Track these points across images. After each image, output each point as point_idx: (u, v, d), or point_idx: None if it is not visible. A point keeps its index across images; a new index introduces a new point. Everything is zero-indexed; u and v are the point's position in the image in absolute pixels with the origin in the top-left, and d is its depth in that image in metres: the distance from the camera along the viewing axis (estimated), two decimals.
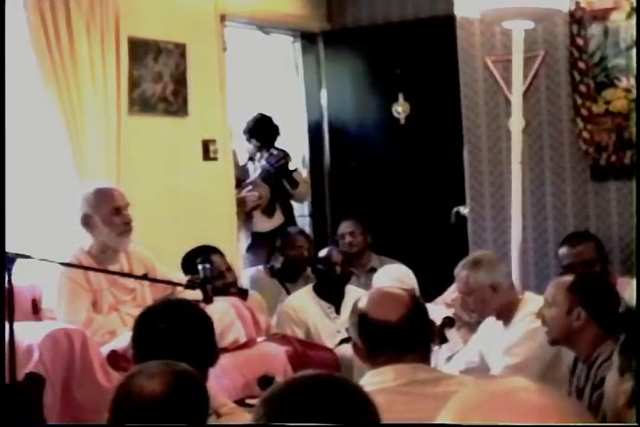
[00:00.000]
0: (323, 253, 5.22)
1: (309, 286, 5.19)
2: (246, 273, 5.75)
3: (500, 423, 1.08)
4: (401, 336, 2.35)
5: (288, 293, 5.45)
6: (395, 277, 4.73)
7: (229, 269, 4.89)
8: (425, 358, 2.42)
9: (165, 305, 2.82)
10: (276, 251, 5.71)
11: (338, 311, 5.02)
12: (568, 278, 3.32)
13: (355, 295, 4.30)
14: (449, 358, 4.16)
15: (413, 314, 2.39)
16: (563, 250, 4.73)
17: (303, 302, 5.06)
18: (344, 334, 4.69)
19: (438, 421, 1.15)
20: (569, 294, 3.24)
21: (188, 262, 4.67)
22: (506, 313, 3.80)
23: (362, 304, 2.42)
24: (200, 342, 2.55)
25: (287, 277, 5.64)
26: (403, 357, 2.34)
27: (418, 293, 4.83)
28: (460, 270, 3.91)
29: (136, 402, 2.01)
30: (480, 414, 1.11)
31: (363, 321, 2.39)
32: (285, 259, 5.62)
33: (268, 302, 5.31)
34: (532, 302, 3.71)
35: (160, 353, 2.31)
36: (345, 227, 5.87)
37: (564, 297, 3.24)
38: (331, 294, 5.10)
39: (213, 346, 2.61)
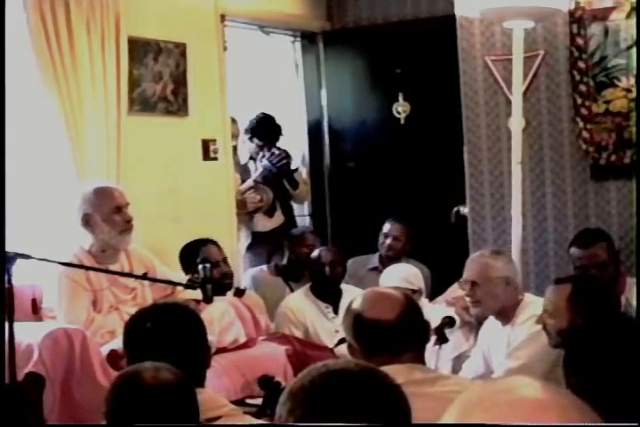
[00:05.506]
0: (314, 253, 5.19)
1: (306, 287, 5.16)
2: (248, 273, 5.73)
3: (501, 423, 1.09)
4: (396, 336, 2.35)
5: (292, 291, 5.42)
6: (401, 277, 4.70)
7: (225, 260, 4.87)
8: (420, 357, 2.41)
9: (153, 307, 2.82)
10: (283, 249, 5.65)
11: (336, 311, 5.00)
12: (567, 289, 3.33)
13: (352, 295, 4.29)
14: (456, 358, 4.16)
15: (408, 314, 2.38)
16: (575, 251, 4.60)
17: (301, 303, 5.04)
18: (342, 334, 4.65)
19: (443, 421, 1.15)
20: (569, 305, 3.25)
21: (186, 256, 4.70)
22: (506, 313, 3.82)
23: (356, 305, 2.41)
24: (189, 343, 2.53)
25: (292, 276, 5.59)
26: (398, 357, 2.33)
27: (424, 293, 4.83)
28: (478, 258, 3.88)
29: (151, 391, 2.04)
30: (482, 409, 1.11)
31: (358, 321, 2.38)
32: (294, 257, 5.56)
33: (272, 301, 5.27)
34: (532, 305, 3.73)
35: (149, 354, 2.31)
36: (392, 229, 5.71)
37: (565, 309, 3.26)
38: (327, 294, 5.08)
39: (204, 347, 2.59)
